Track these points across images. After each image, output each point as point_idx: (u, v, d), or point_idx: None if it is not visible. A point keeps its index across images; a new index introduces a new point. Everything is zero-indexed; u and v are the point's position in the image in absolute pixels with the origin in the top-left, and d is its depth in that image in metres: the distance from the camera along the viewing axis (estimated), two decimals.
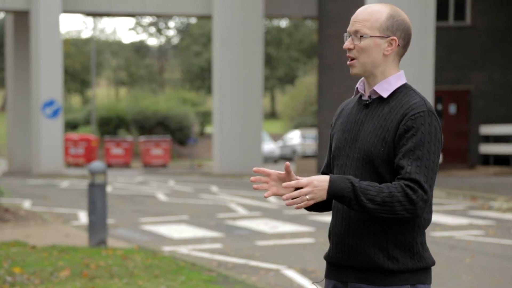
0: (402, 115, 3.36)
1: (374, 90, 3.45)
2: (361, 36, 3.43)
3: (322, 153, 29.79)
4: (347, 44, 3.47)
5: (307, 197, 3.26)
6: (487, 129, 27.51)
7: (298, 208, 3.29)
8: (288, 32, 71.17)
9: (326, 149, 27.75)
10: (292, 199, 3.30)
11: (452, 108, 27.96)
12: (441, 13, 27.23)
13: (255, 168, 3.42)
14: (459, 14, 27.96)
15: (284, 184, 3.31)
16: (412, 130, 3.32)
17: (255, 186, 3.42)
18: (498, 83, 28.02)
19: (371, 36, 3.42)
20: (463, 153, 27.81)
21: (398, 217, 3.28)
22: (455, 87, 27.97)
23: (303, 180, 3.27)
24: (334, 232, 3.48)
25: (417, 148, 3.30)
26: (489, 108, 27.92)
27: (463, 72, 27.97)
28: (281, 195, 3.40)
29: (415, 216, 3.29)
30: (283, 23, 71.81)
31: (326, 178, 3.28)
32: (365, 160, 3.39)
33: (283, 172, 3.40)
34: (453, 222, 14.45)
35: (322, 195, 3.27)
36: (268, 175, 3.40)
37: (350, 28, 3.47)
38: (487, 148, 27.52)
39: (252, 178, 3.41)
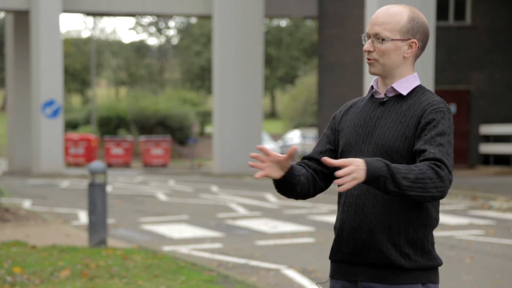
0: (422, 110, 3.39)
1: (392, 88, 3.48)
2: (382, 40, 3.44)
3: None
4: (367, 46, 3.48)
5: (353, 175, 3.19)
6: (487, 129, 27.52)
7: (344, 189, 3.20)
8: (289, 32, 71.15)
9: None
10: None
11: (452, 108, 27.97)
12: (441, 13, 27.22)
13: (258, 146, 3.38)
14: (459, 14, 27.96)
15: (335, 165, 3.22)
16: (433, 122, 3.36)
17: (251, 163, 3.38)
18: (498, 83, 28.02)
19: (392, 39, 3.43)
20: (463, 153, 27.81)
21: (429, 195, 3.24)
22: (455, 87, 27.97)
23: (344, 160, 3.21)
24: (345, 227, 3.46)
25: (438, 136, 3.34)
26: (489, 108, 27.91)
27: (463, 72, 27.97)
28: (273, 177, 3.38)
29: (443, 196, 3.28)
30: (283, 22, 71.79)
31: (360, 159, 3.22)
32: (382, 155, 3.39)
33: (282, 155, 3.36)
34: (453, 222, 14.45)
35: (362, 175, 3.20)
36: (267, 155, 3.36)
37: (370, 30, 3.47)
38: (487, 148, 27.52)
39: (253, 154, 3.36)
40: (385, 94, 3.50)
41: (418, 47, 3.48)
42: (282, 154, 3.40)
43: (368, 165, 3.20)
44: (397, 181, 3.21)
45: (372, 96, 3.55)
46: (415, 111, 3.41)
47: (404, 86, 3.47)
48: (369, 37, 3.48)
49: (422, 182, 3.23)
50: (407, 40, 3.45)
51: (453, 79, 27.91)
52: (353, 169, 3.18)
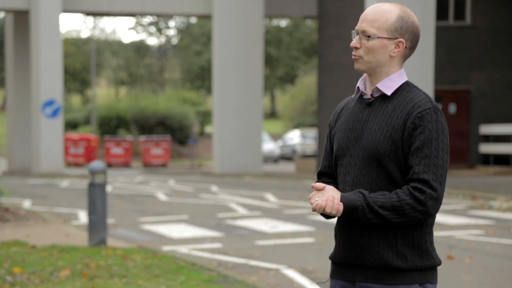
0: (408, 113, 3.35)
1: (377, 88, 3.44)
2: (368, 36, 3.41)
3: (322, 153, 29.78)
4: (354, 42, 3.45)
5: (318, 200, 3.35)
6: (487, 129, 27.52)
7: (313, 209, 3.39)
8: (289, 31, 71.14)
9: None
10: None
11: (452, 108, 27.97)
12: (441, 13, 27.22)
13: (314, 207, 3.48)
14: (459, 14, 27.95)
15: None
16: (419, 128, 3.32)
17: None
18: (498, 83, 28.02)
19: (378, 37, 3.40)
20: (463, 153, 27.81)
21: (411, 219, 3.31)
22: (455, 87, 27.97)
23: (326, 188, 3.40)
24: (342, 231, 3.47)
25: (425, 146, 3.31)
26: (489, 108, 27.92)
27: (463, 72, 27.97)
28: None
29: (429, 216, 3.32)
30: (283, 22, 71.78)
31: (338, 192, 3.37)
32: (371, 158, 3.38)
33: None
34: (453, 221, 14.45)
35: (340, 209, 3.34)
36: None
37: (358, 26, 3.44)
38: (487, 148, 27.51)
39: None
40: (371, 95, 3.46)
41: (406, 47, 3.43)
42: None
43: (343, 196, 3.33)
44: (374, 210, 3.30)
45: (360, 96, 3.51)
46: (400, 112, 3.37)
47: (388, 85, 3.42)
48: (357, 33, 3.45)
49: (400, 209, 3.29)
50: (394, 39, 3.40)
51: (453, 79, 27.90)
52: (320, 196, 3.35)
